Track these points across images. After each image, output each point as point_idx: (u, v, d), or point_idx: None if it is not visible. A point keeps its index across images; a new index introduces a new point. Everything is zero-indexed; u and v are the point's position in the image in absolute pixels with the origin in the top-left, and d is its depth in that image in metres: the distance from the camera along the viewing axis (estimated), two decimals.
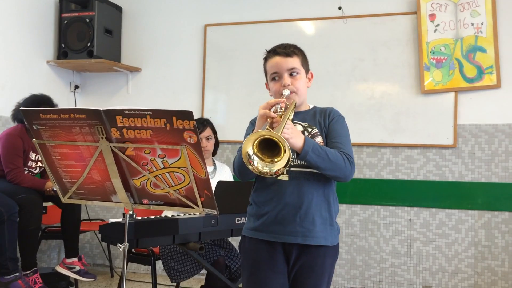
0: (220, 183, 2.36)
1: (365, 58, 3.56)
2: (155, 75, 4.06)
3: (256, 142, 1.45)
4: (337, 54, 3.61)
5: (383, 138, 3.50)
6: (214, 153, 2.96)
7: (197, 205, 1.64)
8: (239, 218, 2.42)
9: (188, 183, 1.60)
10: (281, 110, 1.55)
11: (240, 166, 1.55)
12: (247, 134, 1.75)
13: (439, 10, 3.42)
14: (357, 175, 3.55)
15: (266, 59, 1.76)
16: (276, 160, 1.45)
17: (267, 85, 1.78)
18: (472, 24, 3.35)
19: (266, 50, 1.76)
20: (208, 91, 3.91)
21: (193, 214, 2.32)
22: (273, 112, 1.55)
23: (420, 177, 3.43)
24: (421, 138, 3.42)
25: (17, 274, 2.87)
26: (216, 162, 2.97)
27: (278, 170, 1.45)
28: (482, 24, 3.33)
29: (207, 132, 2.88)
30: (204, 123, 2.90)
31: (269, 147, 1.46)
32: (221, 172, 2.91)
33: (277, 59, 1.71)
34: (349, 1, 3.57)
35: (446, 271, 3.36)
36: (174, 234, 2.26)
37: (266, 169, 1.46)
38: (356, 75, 3.58)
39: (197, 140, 1.51)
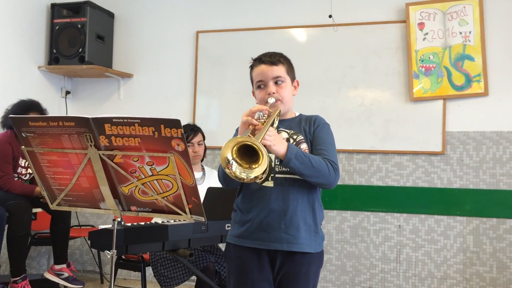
0: (211, 190, 2.37)
1: (355, 65, 3.60)
2: (147, 81, 4.07)
3: (235, 147, 1.46)
4: (328, 61, 3.64)
5: (373, 145, 3.53)
6: (202, 159, 2.99)
7: (185, 212, 1.65)
8: (229, 225, 2.41)
9: (176, 190, 1.62)
10: (264, 117, 1.57)
11: (224, 174, 1.55)
12: None
13: (427, 19, 3.47)
14: (347, 181, 3.57)
15: (252, 67, 1.78)
16: (254, 166, 1.46)
17: (253, 93, 1.79)
18: (460, 33, 3.40)
19: (252, 59, 1.78)
20: (200, 97, 3.93)
21: (183, 220, 2.33)
22: (256, 119, 1.56)
23: (410, 183, 3.47)
24: (410, 145, 3.46)
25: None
26: (205, 167, 2.99)
27: (256, 177, 1.46)
28: (470, 33, 3.38)
29: (199, 137, 2.93)
30: (194, 129, 2.96)
31: (249, 154, 1.47)
32: (210, 178, 2.93)
33: (262, 68, 1.73)
34: (340, 9, 3.61)
35: (435, 277, 3.39)
36: (164, 241, 2.27)
37: (243, 175, 1.47)
38: (346, 82, 3.61)
39: (185, 148, 1.53)
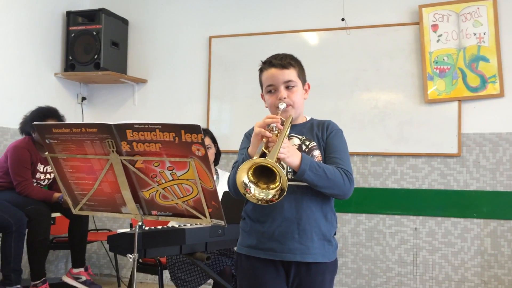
0: (227, 193, 2.38)
1: (368, 68, 3.59)
2: (161, 87, 4.11)
3: (251, 170, 1.43)
4: (340, 64, 3.65)
5: (388, 147, 3.53)
6: (216, 163, 3.00)
7: (205, 216, 1.67)
8: None
9: (196, 195, 1.63)
10: (277, 129, 1.52)
11: (235, 184, 1.50)
12: (242, 147, 1.72)
13: (441, 21, 3.46)
14: (362, 184, 3.57)
15: (261, 70, 1.71)
16: (271, 186, 1.43)
17: (262, 96, 1.74)
18: (475, 34, 3.38)
19: (262, 61, 1.72)
20: (213, 101, 3.96)
21: (199, 224, 2.35)
22: (269, 130, 1.51)
23: (425, 186, 3.45)
24: (425, 147, 3.44)
25: (18, 286, 2.89)
26: (219, 170, 3.00)
27: (273, 197, 1.43)
28: (484, 34, 3.36)
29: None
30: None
31: (265, 173, 1.43)
32: (224, 180, 2.94)
33: (272, 71, 1.66)
34: (352, 12, 3.61)
35: (452, 280, 3.36)
36: (181, 244, 2.28)
37: (262, 195, 1.44)
38: (359, 85, 3.61)
39: (205, 153, 1.54)
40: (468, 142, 3.37)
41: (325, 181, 1.53)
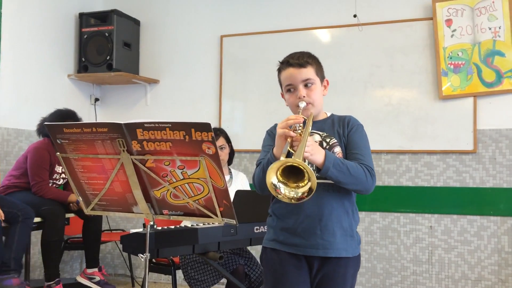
0: (239, 192, 2.38)
1: (381, 64, 3.55)
2: (173, 86, 4.12)
3: (279, 170, 1.45)
4: (353, 61, 3.61)
5: (402, 145, 3.48)
6: (230, 162, 2.98)
7: (216, 215, 1.66)
8: (258, 227, 2.43)
9: (207, 194, 1.63)
10: (300, 127, 1.54)
11: (261, 183, 1.55)
12: (265, 145, 1.75)
13: (455, 15, 3.40)
14: (376, 182, 3.51)
15: (279, 70, 1.74)
16: (301, 185, 1.45)
17: (282, 95, 1.77)
18: (490, 28, 3.31)
19: (279, 62, 1.74)
20: (225, 100, 3.95)
21: (212, 223, 2.34)
22: (293, 130, 1.53)
23: (440, 183, 3.39)
24: (440, 144, 3.39)
25: (15, 275, 2.85)
26: (232, 170, 2.99)
27: (303, 194, 1.45)
28: (499, 28, 3.29)
29: (220, 141, 2.89)
30: (217, 133, 2.90)
31: (293, 172, 1.45)
32: (237, 180, 2.93)
33: (291, 71, 1.68)
34: (364, 8, 3.57)
35: (469, 279, 3.30)
36: (194, 244, 2.28)
37: (292, 194, 1.46)
38: (373, 81, 3.57)
39: (216, 151, 1.54)
40: (484, 139, 3.31)
41: (348, 178, 1.56)
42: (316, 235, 1.61)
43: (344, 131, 1.69)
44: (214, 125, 3.88)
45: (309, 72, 1.68)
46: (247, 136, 3.81)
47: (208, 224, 2.35)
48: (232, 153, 2.98)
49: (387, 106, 3.53)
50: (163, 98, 4.15)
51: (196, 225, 2.38)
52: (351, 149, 1.66)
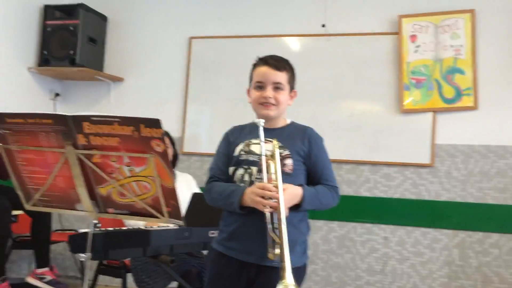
0: (196, 196, 2.35)
1: (347, 75, 3.59)
2: (138, 86, 4.05)
3: None
4: (320, 71, 3.64)
5: (362, 156, 3.52)
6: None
7: (163, 215, 1.62)
8: (213, 232, 2.39)
9: (155, 193, 1.59)
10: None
11: (211, 204, 1.72)
12: (219, 152, 1.77)
13: (420, 32, 3.48)
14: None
15: (254, 66, 1.75)
16: None
17: (248, 91, 1.77)
18: (452, 46, 3.41)
19: (258, 57, 1.76)
20: (191, 103, 3.91)
21: (165, 225, 2.30)
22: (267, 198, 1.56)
23: (397, 195, 3.45)
24: (399, 157, 3.44)
25: None
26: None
27: None
28: (461, 46, 3.39)
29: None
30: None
31: None
32: (182, 181, 2.91)
33: (265, 69, 1.71)
34: (333, 19, 3.62)
35: None
36: (145, 246, 2.23)
37: None
38: (338, 92, 3.61)
39: (165, 149, 1.50)
40: (441, 153, 3.38)
41: (319, 207, 1.67)
42: (253, 242, 1.61)
43: (303, 145, 1.69)
44: (178, 127, 3.85)
45: (282, 77, 1.71)
46: (212, 140, 3.72)
47: (162, 226, 2.30)
48: (176, 156, 2.98)
49: (351, 117, 3.57)
50: (127, 97, 4.07)
51: (145, 227, 2.33)
52: (316, 169, 1.71)
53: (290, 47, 3.76)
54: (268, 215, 1.56)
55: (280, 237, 1.51)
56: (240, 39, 3.83)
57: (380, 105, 3.52)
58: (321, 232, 3.56)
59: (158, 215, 1.61)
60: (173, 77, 3.96)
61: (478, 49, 3.34)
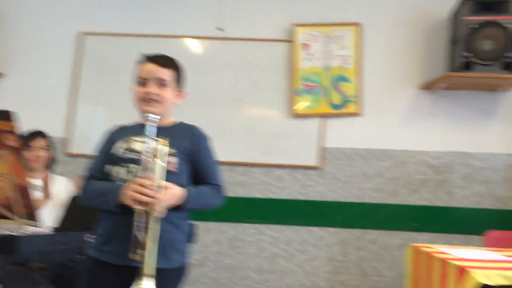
0: (74, 199, 2.23)
1: (242, 80, 3.66)
2: (22, 83, 3.77)
3: None
4: (217, 74, 3.66)
5: (255, 158, 3.60)
6: (49, 167, 2.93)
7: (20, 217, 1.52)
8: (88, 236, 2.29)
9: (9, 192, 1.48)
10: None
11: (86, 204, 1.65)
12: (100, 151, 1.73)
13: (312, 40, 3.65)
14: (229, 193, 3.57)
15: (139, 63, 1.73)
16: None
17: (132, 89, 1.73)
18: (339, 56, 3.62)
19: (144, 55, 1.73)
20: (82, 102, 3.72)
21: (38, 228, 2.15)
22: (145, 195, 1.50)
23: (287, 196, 3.57)
24: (290, 159, 3.58)
25: None
26: (53, 175, 2.93)
27: None
28: (348, 56, 3.62)
29: (43, 142, 2.88)
30: (40, 133, 2.91)
31: None
32: (58, 185, 2.83)
33: (150, 66, 1.69)
34: (231, 24, 3.66)
35: (305, 286, 3.50)
36: (13, 253, 2.06)
37: None
38: (233, 95, 3.66)
39: (18, 143, 1.41)
40: (328, 156, 3.57)
41: (201, 207, 1.66)
42: (125, 243, 1.53)
43: (188, 144, 1.69)
44: (63, 127, 3.64)
45: (166, 73, 1.69)
46: None
47: (34, 230, 2.14)
48: (53, 159, 2.94)
49: (244, 119, 3.64)
50: (9, 94, 3.76)
51: (21, 232, 2.16)
52: (201, 168, 1.70)
53: (189, 49, 3.75)
54: (140, 213, 1.51)
55: (145, 237, 1.48)
56: (138, 37, 3.73)
57: (273, 109, 3.63)
58: (213, 234, 3.57)
59: (12, 216, 1.51)
60: (61, 74, 3.74)
61: (363, 60, 3.59)
